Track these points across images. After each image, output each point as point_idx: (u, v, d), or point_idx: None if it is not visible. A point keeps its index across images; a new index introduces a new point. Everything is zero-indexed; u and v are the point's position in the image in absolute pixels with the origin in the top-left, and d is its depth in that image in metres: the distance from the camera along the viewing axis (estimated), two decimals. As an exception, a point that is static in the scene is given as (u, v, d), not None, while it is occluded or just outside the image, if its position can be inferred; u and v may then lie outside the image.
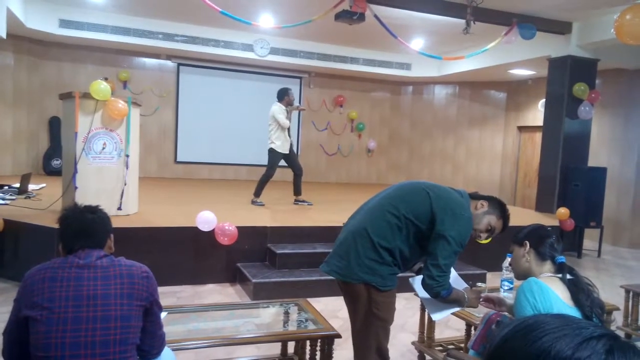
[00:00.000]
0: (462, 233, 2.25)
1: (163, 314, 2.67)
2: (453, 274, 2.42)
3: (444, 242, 2.22)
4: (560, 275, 1.98)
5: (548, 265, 2.07)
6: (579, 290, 1.90)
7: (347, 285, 2.36)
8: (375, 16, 6.12)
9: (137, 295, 1.82)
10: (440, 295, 2.28)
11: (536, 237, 2.11)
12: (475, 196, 2.44)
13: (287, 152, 6.52)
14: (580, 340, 0.65)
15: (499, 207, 2.39)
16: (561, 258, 2.06)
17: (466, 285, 2.56)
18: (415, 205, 2.30)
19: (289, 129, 6.55)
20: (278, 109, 6.46)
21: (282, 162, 6.73)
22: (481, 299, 2.48)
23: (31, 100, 8.93)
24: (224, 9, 5.67)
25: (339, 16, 6.03)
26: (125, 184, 5.17)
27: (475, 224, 2.35)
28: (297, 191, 6.85)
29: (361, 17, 5.98)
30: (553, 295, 1.86)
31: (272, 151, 6.49)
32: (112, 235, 1.99)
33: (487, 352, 0.73)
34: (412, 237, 2.31)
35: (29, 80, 8.87)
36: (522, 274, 2.14)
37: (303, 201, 6.85)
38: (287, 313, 3.17)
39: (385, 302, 2.34)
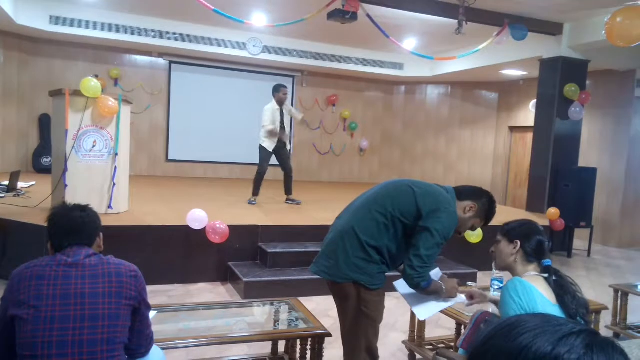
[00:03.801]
0: (446, 226, 2.26)
1: (153, 313, 2.67)
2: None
3: (427, 234, 2.23)
4: (545, 275, 1.99)
5: (533, 265, 2.06)
6: (565, 292, 1.91)
7: (336, 285, 2.37)
8: (368, 15, 6.13)
9: (126, 294, 1.81)
10: (420, 287, 2.28)
11: (528, 238, 2.07)
12: (462, 192, 2.42)
13: (271, 150, 6.49)
14: (560, 336, 0.67)
15: (485, 212, 2.41)
16: (547, 261, 2.04)
17: (442, 274, 2.56)
18: (401, 202, 2.31)
19: (283, 129, 6.54)
20: (266, 109, 6.48)
21: (275, 162, 6.74)
22: (467, 301, 2.50)
23: (21, 98, 8.85)
24: (217, 7, 5.64)
25: (331, 15, 6.03)
26: (114, 183, 5.14)
27: (460, 226, 2.38)
28: (287, 191, 6.85)
29: (354, 17, 5.98)
30: (537, 294, 1.87)
31: (260, 147, 6.54)
32: (101, 234, 1.98)
33: (471, 351, 0.75)
34: (401, 235, 2.32)
35: (19, 77, 8.79)
36: (504, 268, 2.14)
37: (293, 200, 6.85)
38: (277, 312, 3.17)
39: (374, 300, 2.35)
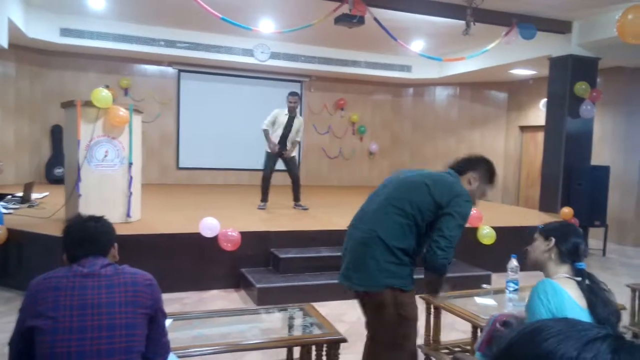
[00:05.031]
0: (464, 208, 2.36)
1: (168, 322, 2.67)
2: None
3: (448, 217, 2.32)
4: (578, 279, 1.92)
5: (566, 267, 2.00)
6: (596, 297, 1.85)
7: (372, 294, 2.38)
8: (375, 19, 6.12)
9: (142, 303, 1.82)
10: (445, 269, 2.34)
11: (564, 236, 2.02)
12: (461, 168, 2.54)
13: (273, 153, 6.51)
14: (585, 341, 0.66)
15: (488, 174, 2.53)
16: (581, 264, 1.98)
17: None
18: (419, 201, 2.37)
19: (285, 135, 6.54)
20: (273, 111, 6.59)
21: (283, 167, 6.75)
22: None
23: (33, 109, 8.96)
24: (224, 15, 5.68)
25: (338, 20, 6.03)
26: (131, 192, 5.19)
27: (472, 198, 2.46)
28: (294, 198, 6.85)
29: (361, 20, 5.98)
30: (567, 297, 1.82)
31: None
32: (116, 245, 1.99)
33: (494, 356, 0.74)
34: (423, 231, 2.38)
35: (31, 90, 8.90)
36: (536, 265, 2.09)
37: (300, 205, 6.84)
38: (292, 318, 3.16)
39: (409, 302, 2.39)
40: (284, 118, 6.53)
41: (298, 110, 6.84)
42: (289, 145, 6.59)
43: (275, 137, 6.50)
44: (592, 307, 1.82)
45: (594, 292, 1.87)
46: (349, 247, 2.47)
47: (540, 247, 2.06)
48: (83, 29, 8.18)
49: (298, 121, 6.63)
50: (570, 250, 2.00)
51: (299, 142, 6.77)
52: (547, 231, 2.08)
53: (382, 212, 2.39)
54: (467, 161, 2.55)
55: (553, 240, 2.02)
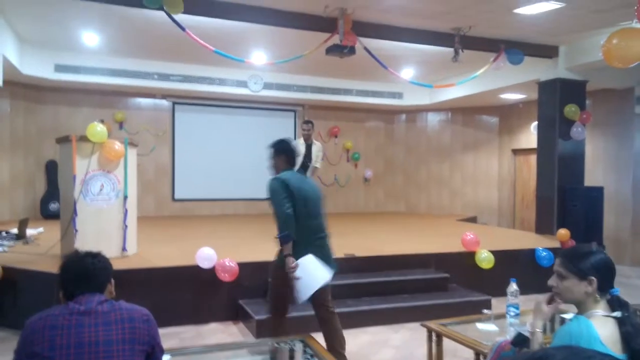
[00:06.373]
0: None
1: (166, 357, 2.63)
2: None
3: None
4: (615, 315, 1.77)
5: (603, 303, 1.83)
6: (636, 330, 1.70)
7: None
8: (366, 49, 6.23)
9: (139, 339, 1.80)
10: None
11: (606, 277, 1.82)
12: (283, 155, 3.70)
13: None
14: None
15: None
16: (616, 290, 1.83)
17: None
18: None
19: (304, 164, 6.62)
20: None
21: None
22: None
23: (28, 145, 8.97)
24: (217, 47, 5.77)
25: (330, 50, 6.13)
26: (126, 226, 5.16)
27: None
28: None
29: (352, 50, 6.08)
30: (600, 347, 1.64)
31: None
32: (112, 281, 1.97)
33: None
34: None
35: (25, 125, 8.93)
36: (572, 303, 1.90)
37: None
38: (292, 351, 3.11)
39: None
40: (301, 148, 6.62)
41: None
42: (308, 173, 6.66)
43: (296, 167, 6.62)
44: (626, 341, 1.68)
45: (632, 325, 1.71)
46: (325, 247, 3.65)
47: (575, 288, 1.85)
48: (77, 65, 8.27)
49: (315, 147, 6.71)
50: (610, 283, 1.84)
51: (317, 168, 6.80)
52: (582, 272, 1.84)
53: (324, 219, 3.59)
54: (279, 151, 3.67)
55: (594, 281, 1.81)
